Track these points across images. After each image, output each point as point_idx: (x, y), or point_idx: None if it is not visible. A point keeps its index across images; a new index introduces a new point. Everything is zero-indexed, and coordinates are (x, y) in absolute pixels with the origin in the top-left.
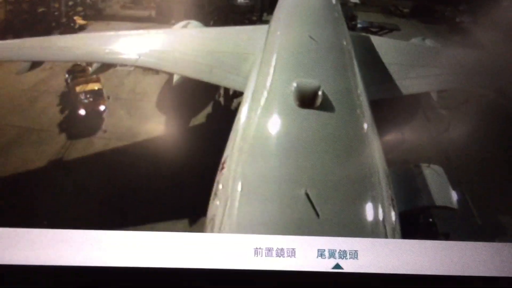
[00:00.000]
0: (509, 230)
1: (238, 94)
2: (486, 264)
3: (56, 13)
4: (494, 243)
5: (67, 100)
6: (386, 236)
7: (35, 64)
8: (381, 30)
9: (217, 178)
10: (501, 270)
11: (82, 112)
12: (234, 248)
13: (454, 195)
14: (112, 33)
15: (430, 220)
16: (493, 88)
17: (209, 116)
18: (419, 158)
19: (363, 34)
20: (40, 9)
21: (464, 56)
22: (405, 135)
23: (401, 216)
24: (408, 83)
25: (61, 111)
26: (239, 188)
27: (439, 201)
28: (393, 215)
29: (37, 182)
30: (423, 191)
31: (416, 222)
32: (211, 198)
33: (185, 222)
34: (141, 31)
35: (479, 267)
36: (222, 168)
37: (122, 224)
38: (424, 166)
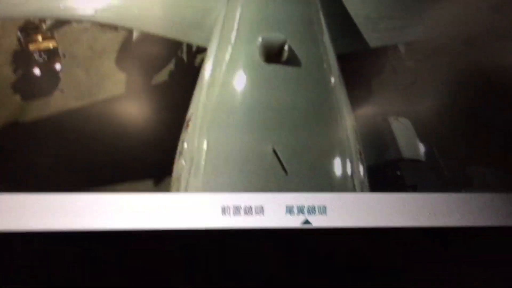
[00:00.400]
0: (475, 180)
1: (202, 50)
2: (452, 215)
3: None
4: (460, 194)
5: (21, 59)
6: (354, 190)
7: None
8: None
9: (182, 136)
10: (467, 220)
11: (36, 71)
12: (201, 207)
13: (421, 148)
14: None
15: (398, 173)
16: (461, 39)
17: (171, 73)
18: (387, 111)
19: None
20: None
21: (433, 7)
22: (373, 88)
23: (370, 169)
24: (376, 35)
25: (14, 71)
26: (204, 146)
27: (406, 153)
28: (361, 169)
29: None
30: (391, 144)
31: (384, 175)
32: (176, 157)
33: (150, 182)
34: None
35: (446, 218)
36: (187, 126)
37: (82, 186)
38: (391, 119)
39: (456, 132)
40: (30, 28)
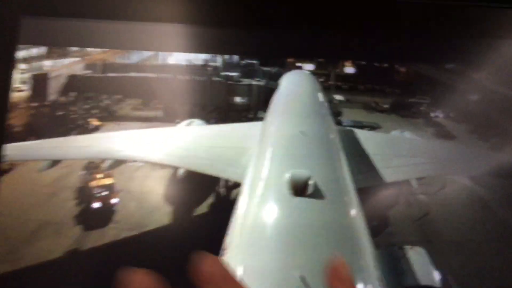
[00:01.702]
0: None
1: (237, 185)
2: None
3: (73, 115)
4: None
5: (83, 194)
6: None
7: (54, 162)
8: (364, 128)
9: None
10: None
11: (96, 205)
12: None
13: (436, 275)
14: (123, 132)
15: None
16: (466, 175)
17: (211, 206)
18: (403, 240)
19: (348, 128)
20: (59, 113)
21: (440, 147)
22: (389, 219)
23: None
24: (390, 172)
25: (77, 205)
26: (240, 272)
27: (423, 280)
28: None
29: (55, 271)
30: (408, 271)
31: None
32: None
33: None
34: (149, 130)
35: None
36: (224, 253)
37: None
38: (407, 248)
39: (468, 260)
40: (92, 167)
